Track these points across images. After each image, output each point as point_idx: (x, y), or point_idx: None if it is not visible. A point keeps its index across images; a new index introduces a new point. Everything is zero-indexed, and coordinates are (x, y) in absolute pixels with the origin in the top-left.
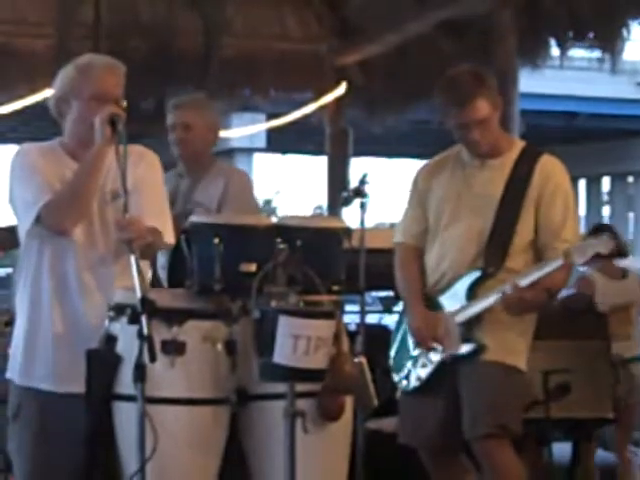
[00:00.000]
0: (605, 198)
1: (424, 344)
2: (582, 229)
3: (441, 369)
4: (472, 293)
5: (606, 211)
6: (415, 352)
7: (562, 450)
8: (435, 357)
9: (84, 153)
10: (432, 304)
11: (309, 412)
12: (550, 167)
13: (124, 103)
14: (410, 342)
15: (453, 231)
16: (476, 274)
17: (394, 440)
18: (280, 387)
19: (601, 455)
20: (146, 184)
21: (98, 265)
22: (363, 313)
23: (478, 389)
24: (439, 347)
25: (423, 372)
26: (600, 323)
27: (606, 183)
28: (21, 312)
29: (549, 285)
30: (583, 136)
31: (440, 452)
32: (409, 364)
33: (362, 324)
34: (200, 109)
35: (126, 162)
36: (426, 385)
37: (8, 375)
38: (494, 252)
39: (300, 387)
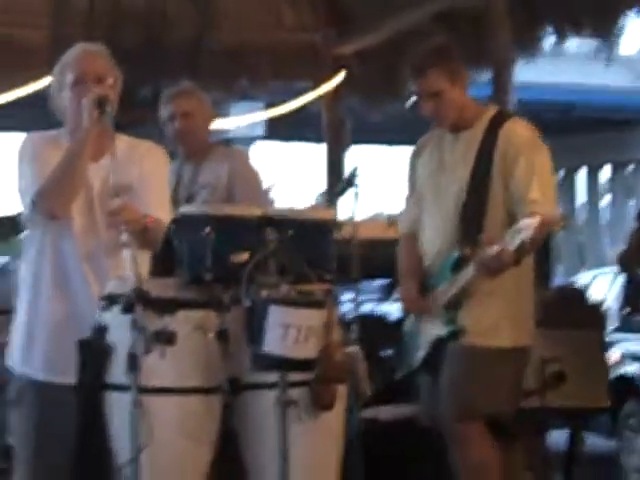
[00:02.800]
0: (605, 187)
1: (408, 310)
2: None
3: (436, 348)
4: (455, 274)
5: (606, 200)
6: (416, 332)
7: (559, 437)
8: (429, 337)
9: None
10: (426, 286)
11: (302, 401)
12: (511, 131)
13: (112, 96)
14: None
15: (432, 213)
16: (454, 256)
17: (391, 428)
18: (272, 376)
19: (598, 442)
20: (153, 177)
21: (100, 257)
22: (357, 302)
23: (448, 374)
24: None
25: (421, 353)
26: (594, 312)
27: (606, 172)
28: (22, 301)
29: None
30: (581, 126)
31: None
32: (413, 345)
33: (357, 313)
34: (195, 97)
35: (127, 148)
36: (425, 365)
37: (8, 363)
38: (469, 233)
39: (293, 376)
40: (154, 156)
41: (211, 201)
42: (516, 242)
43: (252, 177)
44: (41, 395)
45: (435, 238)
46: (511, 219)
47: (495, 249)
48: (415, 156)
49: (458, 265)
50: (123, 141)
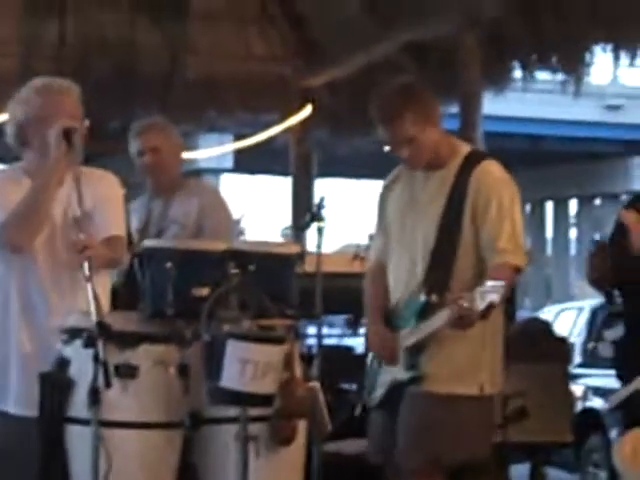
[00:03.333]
0: (572, 220)
1: (379, 358)
2: (549, 251)
3: (394, 390)
4: (418, 320)
5: (573, 233)
6: (377, 370)
7: (520, 471)
8: (388, 378)
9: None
10: (393, 324)
11: (262, 436)
12: (483, 175)
13: (86, 122)
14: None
15: (399, 252)
16: (420, 302)
17: (354, 462)
18: (233, 411)
19: (561, 476)
20: (108, 200)
21: (64, 288)
22: (320, 336)
23: (408, 421)
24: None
25: (379, 392)
26: (559, 346)
27: (573, 205)
28: None
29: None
30: (549, 159)
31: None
32: (374, 381)
33: (319, 347)
34: (164, 131)
35: (80, 177)
36: (384, 404)
37: None
38: (437, 278)
39: (253, 411)
40: (107, 181)
41: (182, 237)
42: (485, 303)
43: (222, 212)
44: (8, 428)
45: (401, 278)
46: (480, 264)
47: (463, 308)
48: (386, 189)
49: (424, 311)
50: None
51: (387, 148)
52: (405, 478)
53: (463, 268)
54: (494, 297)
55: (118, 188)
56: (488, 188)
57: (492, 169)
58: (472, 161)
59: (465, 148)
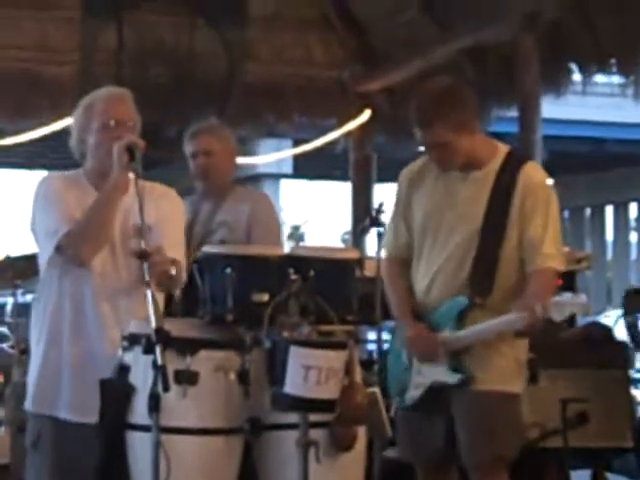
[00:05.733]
0: (633, 224)
1: (418, 356)
2: (609, 254)
3: (434, 391)
4: (460, 321)
5: (634, 237)
6: (408, 370)
7: (581, 478)
8: (426, 380)
9: (105, 183)
10: (423, 323)
11: (322, 442)
12: (531, 176)
13: (142, 143)
14: (404, 359)
15: (439, 254)
16: (463, 303)
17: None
18: (293, 417)
19: None
20: (169, 220)
21: (119, 297)
22: (380, 342)
23: (471, 419)
24: (430, 367)
25: (417, 392)
26: (620, 352)
27: (633, 209)
28: (39, 341)
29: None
30: (609, 162)
31: (437, 469)
32: (403, 381)
33: (379, 353)
34: (218, 135)
35: (143, 191)
36: (421, 404)
37: (26, 406)
38: (480, 281)
39: (313, 417)
40: (171, 199)
41: (229, 239)
42: (563, 316)
43: (272, 222)
44: (59, 434)
45: (438, 278)
46: (522, 267)
47: (538, 317)
48: (411, 184)
49: (465, 313)
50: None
51: (421, 148)
52: (471, 475)
53: (507, 271)
54: (575, 310)
55: (180, 205)
56: (535, 191)
57: (538, 172)
58: (513, 162)
59: (504, 148)
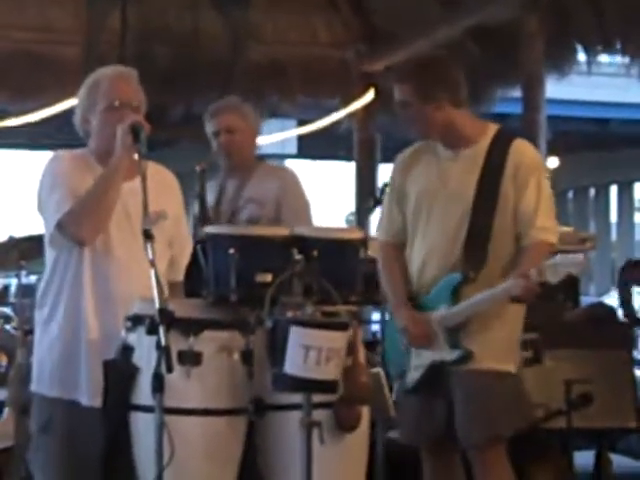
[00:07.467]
0: (637, 205)
1: (414, 344)
2: (613, 235)
3: (433, 371)
4: (455, 297)
5: (638, 218)
6: (407, 353)
7: (585, 458)
8: (425, 360)
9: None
10: (418, 304)
11: (325, 423)
12: (521, 152)
13: (147, 125)
14: (401, 344)
15: (433, 231)
16: (457, 278)
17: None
18: (297, 397)
19: (626, 463)
20: (182, 211)
21: (139, 280)
22: (384, 323)
23: (469, 398)
24: (427, 350)
25: (416, 374)
26: (624, 331)
27: (638, 189)
28: (52, 322)
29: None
30: (613, 142)
31: (440, 450)
32: (403, 364)
33: (383, 334)
34: (239, 112)
35: (146, 172)
36: (422, 386)
37: (33, 388)
38: (473, 255)
39: (317, 397)
40: (177, 187)
41: (259, 216)
42: (558, 277)
43: (302, 199)
44: (72, 417)
45: (432, 259)
46: (516, 241)
47: (531, 281)
48: (405, 168)
49: (459, 289)
50: (149, 166)
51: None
52: (469, 454)
53: (500, 244)
54: (572, 270)
55: (179, 193)
56: (527, 165)
57: (528, 148)
58: (503, 139)
59: (493, 126)
